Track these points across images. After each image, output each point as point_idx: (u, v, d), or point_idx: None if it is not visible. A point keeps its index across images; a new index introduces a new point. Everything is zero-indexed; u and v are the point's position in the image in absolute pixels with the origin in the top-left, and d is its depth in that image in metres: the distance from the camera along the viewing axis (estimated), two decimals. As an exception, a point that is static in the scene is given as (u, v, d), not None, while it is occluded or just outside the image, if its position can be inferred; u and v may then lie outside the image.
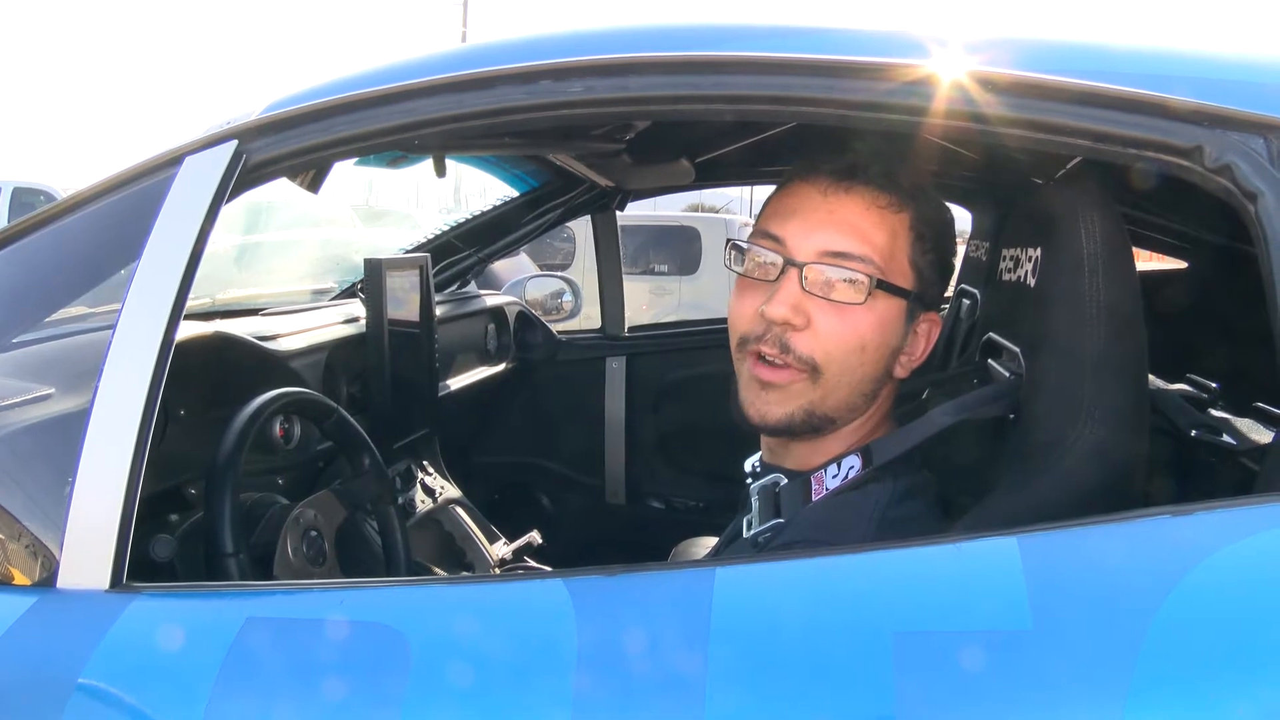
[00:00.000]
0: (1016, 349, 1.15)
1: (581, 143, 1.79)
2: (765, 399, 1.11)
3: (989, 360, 1.29)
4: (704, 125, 1.99)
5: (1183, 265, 2.15)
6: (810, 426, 1.12)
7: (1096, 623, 0.82)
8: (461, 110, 1.07)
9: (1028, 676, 0.81)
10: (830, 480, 1.10)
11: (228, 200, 1.10)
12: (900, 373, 1.14)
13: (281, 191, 2.52)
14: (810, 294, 1.08)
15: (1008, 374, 1.17)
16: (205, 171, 1.10)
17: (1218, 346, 1.65)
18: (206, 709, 0.90)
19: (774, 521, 1.11)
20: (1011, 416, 1.11)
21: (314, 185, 1.86)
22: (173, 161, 1.12)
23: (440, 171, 1.62)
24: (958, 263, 1.13)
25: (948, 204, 1.19)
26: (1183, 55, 1.00)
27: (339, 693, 0.91)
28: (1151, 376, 1.34)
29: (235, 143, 1.10)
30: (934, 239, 1.14)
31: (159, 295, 1.06)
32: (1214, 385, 1.48)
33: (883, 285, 1.08)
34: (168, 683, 0.94)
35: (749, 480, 1.20)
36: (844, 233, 1.09)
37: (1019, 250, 1.19)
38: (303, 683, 0.93)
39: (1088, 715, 0.79)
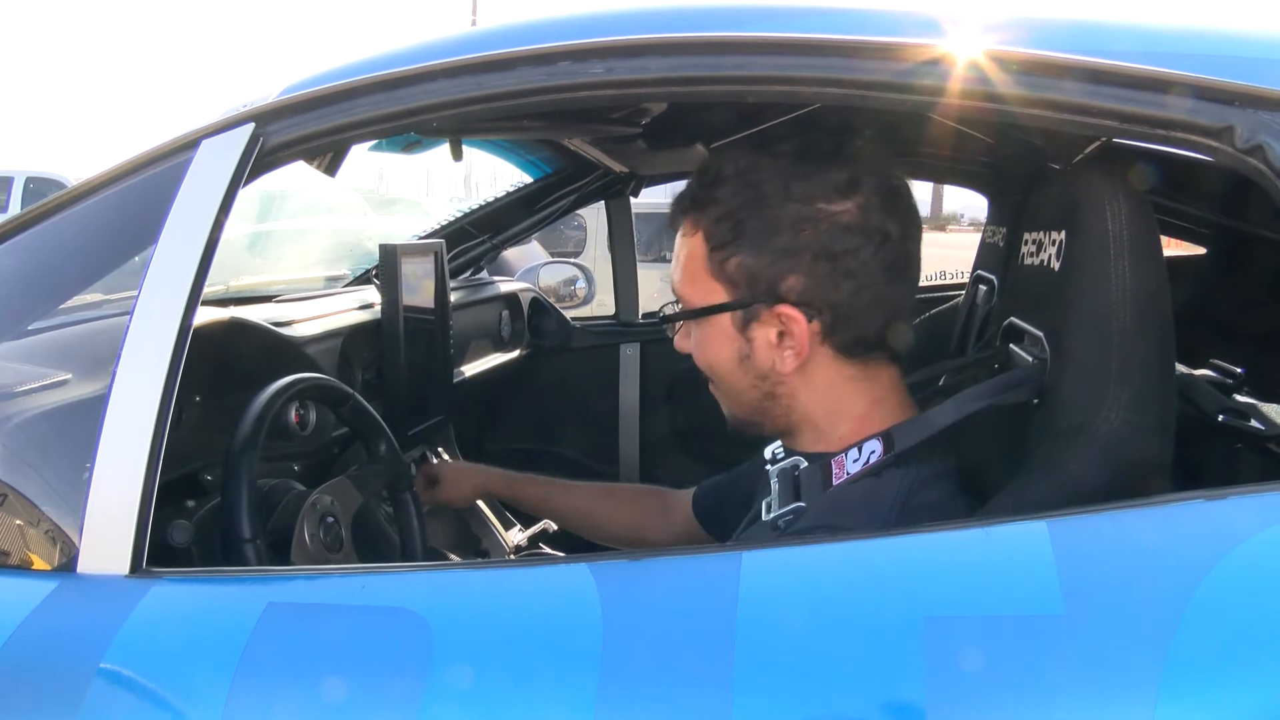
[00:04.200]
0: (1040, 333, 1.13)
1: (599, 126, 1.78)
2: None
3: (1010, 345, 1.28)
4: (718, 110, 1.98)
5: (1201, 251, 2.13)
6: (749, 425, 1.16)
7: (1129, 608, 0.81)
8: (481, 92, 1.06)
9: (1059, 662, 0.80)
10: (851, 465, 1.09)
11: (245, 184, 1.09)
12: (785, 369, 1.09)
13: (293, 179, 2.52)
14: None
15: (1030, 359, 1.16)
16: (222, 155, 1.09)
17: (1240, 332, 1.64)
18: (229, 694, 0.90)
19: (794, 505, 1.10)
20: (1035, 402, 1.10)
21: (331, 168, 1.85)
22: (189, 145, 1.11)
23: (457, 155, 1.61)
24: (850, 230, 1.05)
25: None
26: (1212, 33, 0.99)
27: (362, 677, 0.91)
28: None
29: (252, 125, 1.09)
30: (739, 238, 1.08)
31: (176, 280, 1.05)
32: (1239, 371, 1.46)
33: (692, 313, 1.13)
34: (190, 667, 0.94)
35: (769, 465, 1.20)
36: (673, 274, 1.15)
37: (1042, 234, 1.18)
38: (325, 668, 0.92)
39: (1120, 701, 0.78)
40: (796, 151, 1.08)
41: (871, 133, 1.55)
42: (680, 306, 1.15)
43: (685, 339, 1.16)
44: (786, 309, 1.07)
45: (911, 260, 1.10)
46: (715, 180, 1.10)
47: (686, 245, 1.12)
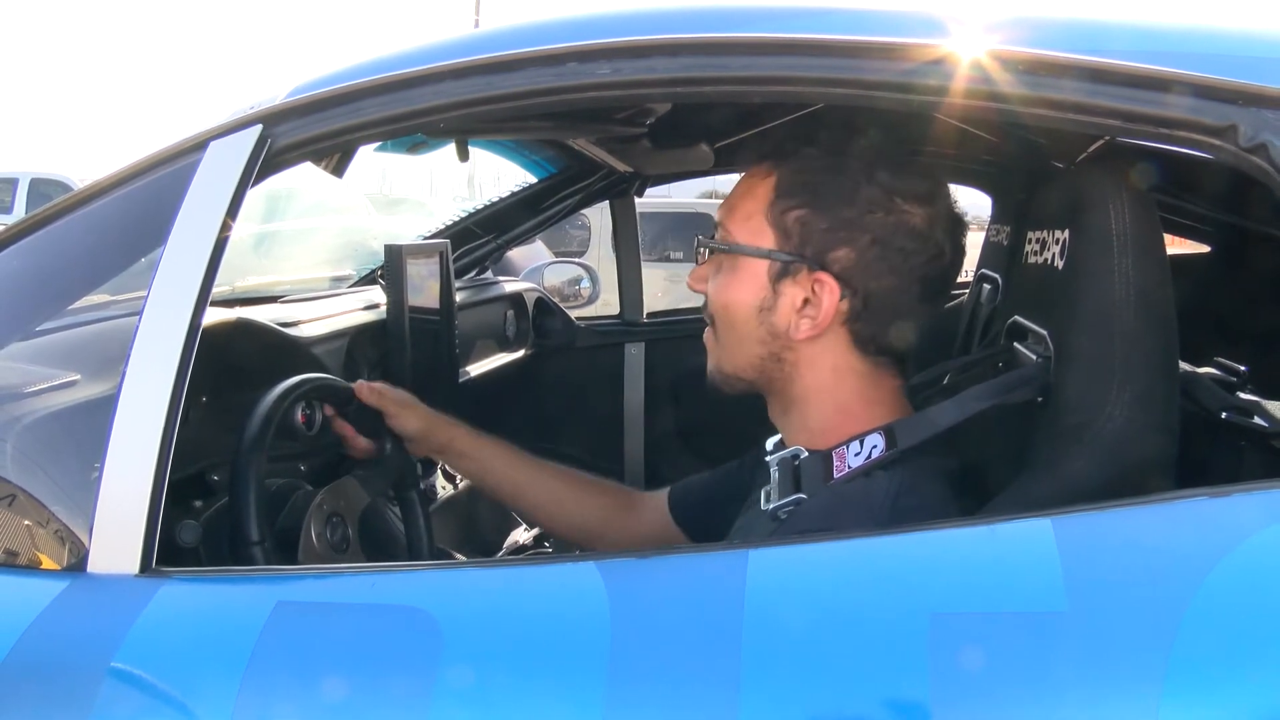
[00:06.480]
0: (1044, 332, 1.14)
1: (604, 126, 1.79)
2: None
3: (1015, 344, 1.28)
4: (723, 110, 1.98)
5: (1205, 249, 2.13)
6: (737, 382, 1.18)
7: (1133, 605, 0.82)
8: (489, 93, 1.06)
9: (1063, 659, 0.81)
10: (853, 458, 1.09)
11: (253, 185, 1.10)
12: (798, 334, 1.12)
13: (298, 179, 2.52)
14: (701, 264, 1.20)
15: (1035, 357, 1.16)
16: (230, 156, 1.09)
17: (1244, 330, 1.64)
18: (239, 693, 0.91)
19: (795, 496, 1.10)
20: (1040, 400, 1.10)
21: (339, 169, 1.85)
22: (197, 147, 1.11)
23: (463, 156, 1.61)
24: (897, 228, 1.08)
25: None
26: (1215, 32, 0.99)
27: (371, 675, 0.91)
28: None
29: (260, 127, 1.10)
30: (806, 195, 1.11)
31: (185, 281, 1.06)
32: (1242, 368, 1.46)
33: (733, 247, 1.14)
34: (201, 667, 0.94)
35: (768, 455, 1.20)
36: (723, 207, 1.18)
37: (1045, 233, 1.18)
38: (335, 666, 0.93)
39: (1124, 698, 0.79)
40: (889, 148, 1.13)
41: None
42: (714, 241, 1.18)
43: (701, 281, 1.20)
44: (826, 276, 1.10)
45: (946, 286, 1.15)
46: (806, 139, 1.15)
47: (752, 185, 1.15)
